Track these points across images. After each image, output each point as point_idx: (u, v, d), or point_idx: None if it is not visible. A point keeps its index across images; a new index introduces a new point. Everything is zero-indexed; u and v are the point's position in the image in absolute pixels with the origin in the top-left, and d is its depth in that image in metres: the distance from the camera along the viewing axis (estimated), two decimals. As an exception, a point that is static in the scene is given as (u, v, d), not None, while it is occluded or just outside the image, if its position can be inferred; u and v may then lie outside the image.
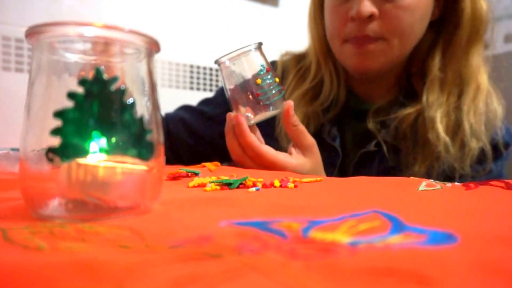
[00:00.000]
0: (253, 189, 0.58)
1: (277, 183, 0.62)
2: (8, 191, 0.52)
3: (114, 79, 0.38)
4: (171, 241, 0.32)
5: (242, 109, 0.89)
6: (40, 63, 0.40)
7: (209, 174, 0.76)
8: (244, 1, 2.03)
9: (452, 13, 1.10)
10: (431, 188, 0.60)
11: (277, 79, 0.91)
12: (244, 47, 0.89)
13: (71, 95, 0.37)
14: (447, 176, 1.07)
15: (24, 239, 0.32)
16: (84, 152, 0.38)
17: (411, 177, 0.74)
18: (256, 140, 0.89)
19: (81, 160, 0.38)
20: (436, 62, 1.11)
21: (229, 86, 0.91)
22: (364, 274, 0.25)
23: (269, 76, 0.90)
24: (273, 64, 1.32)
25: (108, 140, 0.38)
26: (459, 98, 1.10)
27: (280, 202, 0.49)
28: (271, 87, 0.90)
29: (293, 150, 0.94)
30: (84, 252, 0.29)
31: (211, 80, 1.90)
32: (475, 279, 0.25)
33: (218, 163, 0.87)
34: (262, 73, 0.89)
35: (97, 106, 0.38)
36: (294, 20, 2.31)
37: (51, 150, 0.37)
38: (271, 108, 0.89)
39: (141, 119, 0.40)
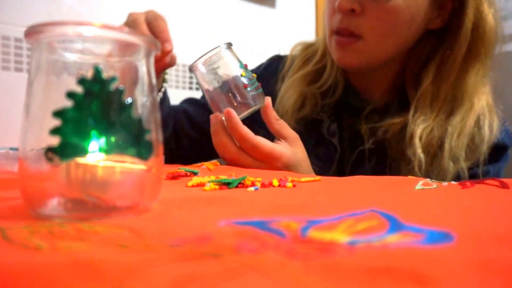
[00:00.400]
0: (252, 188, 0.58)
1: (275, 182, 0.62)
2: (8, 191, 0.52)
3: (113, 79, 0.38)
4: (170, 240, 0.32)
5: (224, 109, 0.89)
6: (39, 62, 0.40)
7: (208, 173, 0.76)
8: (242, 2, 2.04)
9: (454, 26, 1.07)
10: (428, 187, 0.60)
11: (254, 75, 0.92)
12: (214, 48, 0.89)
13: (70, 95, 0.37)
14: None
15: (23, 238, 0.32)
16: (83, 152, 0.38)
17: (408, 176, 0.74)
18: (250, 131, 0.89)
19: (80, 160, 0.38)
20: (429, 75, 1.09)
21: (207, 88, 0.91)
22: (362, 273, 0.25)
23: (248, 71, 0.92)
24: (282, 58, 1.33)
25: (107, 140, 0.39)
26: (448, 117, 1.07)
27: (279, 202, 0.49)
28: (252, 81, 0.91)
29: (281, 141, 0.94)
30: (83, 251, 0.29)
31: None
32: (471, 277, 0.25)
33: (217, 163, 0.87)
34: (242, 68, 0.91)
35: (96, 105, 0.38)
36: (291, 20, 2.32)
37: (50, 150, 0.37)
38: (252, 103, 0.90)
39: (140, 119, 0.40)
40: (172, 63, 1.01)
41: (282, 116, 1.18)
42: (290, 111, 1.18)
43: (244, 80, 0.90)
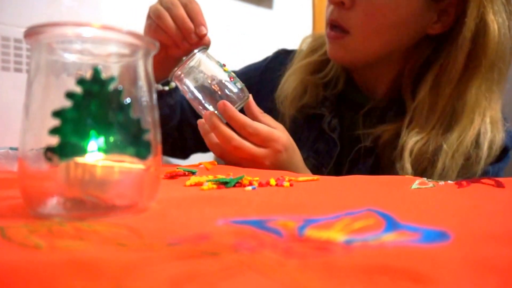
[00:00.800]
0: (250, 188, 0.58)
1: (273, 182, 0.62)
2: (7, 190, 0.52)
3: (111, 79, 0.38)
4: (168, 239, 0.32)
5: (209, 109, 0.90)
6: (38, 63, 0.40)
7: (205, 173, 0.76)
8: (239, 3, 2.04)
9: (456, 34, 1.02)
10: (424, 186, 0.60)
11: (233, 73, 0.94)
12: (190, 54, 0.91)
13: (70, 95, 0.37)
14: None
15: (22, 237, 0.32)
16: (82, 151, 0.38)
17: (405, 176, 0.74)
18: (248, 118, 0.90)
19: (79, 159, 0.38)
20: (426, 84, 1.05)
21: (190, 92, 0.92)
22: (359, 272, 0.26)
23: (229, 71, 0.93)
24: (289, 52, 1.33)
25: (106, 139, 0.39)
26: (444, 132, 1.03)
27: (276, 201, 0.50)
28: (234, 79, 0.92)
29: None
30: (82, 250, 0.29)
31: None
32: (467, 276, 0.25)
33: (215, 162, 0.87)
34: (221, 67, 0.92)
35: (95, 106, 0.38)
36: (288, 21, 2.32)
37: (49, 149, 0.37)
38: (237, 100, 0.91)
39: (138, 119, 0.40)
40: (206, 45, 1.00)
41: (282, 101, 1.19)
42: (289, 98, 1.18)
43: (226, 78, 0.91)
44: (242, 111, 0.90)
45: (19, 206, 0.43)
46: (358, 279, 0.25)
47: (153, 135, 0.42)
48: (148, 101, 0.43)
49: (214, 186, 0.59)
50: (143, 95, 0.42)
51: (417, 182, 0.62)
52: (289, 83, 1.20)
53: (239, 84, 0.92)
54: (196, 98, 0.91)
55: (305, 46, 1.29)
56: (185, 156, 1.37)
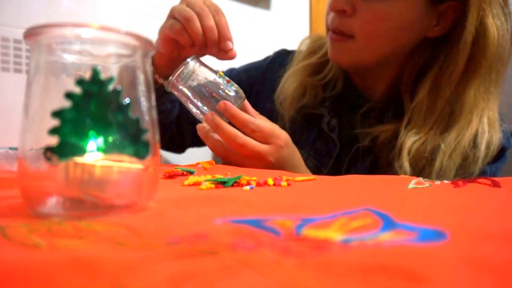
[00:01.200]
0: (247, 187, 0.58)
1: (270, 181, 0.62)
2: (7, 189, 0.53)
3: (110, 80, 0.38)
4: (167, 238, 0.32)
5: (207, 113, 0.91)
6: (38, 63, 0.40)
7: (204, 172, 0.76)
8: (236, 4, 2.03)
9: (455, 37, 1.03)
10: (420, 186, 0.60)
11: (227, 77, 0.95)
12: (184, 62, 0.92)
13: (69, 95, 0.37)
14: None
15: (22, 236, 0.32)
16: (81, 151, 0.38)
17: (401, 175, 0.74)
18: (250, 116, 0.92)
19: (78, 159, 0.38)
20: (425, 86, 1.06)
21: (187, 98, 0.93)
22: (356, 271, 0.26)
23: (223, 75, 0.94)
24: (289, 52, 1.33)
25: (105, 139, 0.39)
26: (442, 132, 1.04)
27: (274, 200, 0.50)
28: (230, 83, 0.94)
29: None
30: (81, 249, 0.29)
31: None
32: (464, 275, 0.25)
33: (213, 162, 0.87)
34: (215, 73, 0.94)
35: (94, 106, 0.38)
36: (286, 22, 2.32)
37: (49, 149, 0.37)
38: (233, 102, 0.92)
39: (137, 119, 0.40)
40: (230, 58, 1.00)
41: (281, 102, 1.19)
42: (289, 99, 1.19)
43: (221, 82, 0.93)
44: None
45: (18, 206, 0.43)
46: (355, 278, 0.25)
47: (152, 135, 0.42)
48: (147, 101, 0.43)
49: (212, 185, 0.59)
50: (142, 95, 0.42)
51: (414, 182, 0.62)
52: (288, 84, 1.20)
53: (235, 87, 0.93)
54: (193, 104, 0.92)
55: (304, 47, 1.29)
56: (181, 150, 1.37)
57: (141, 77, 0.43)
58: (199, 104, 0.92)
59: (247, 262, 0.27)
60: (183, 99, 0.93)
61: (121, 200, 0.41)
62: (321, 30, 1.42)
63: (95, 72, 0.38)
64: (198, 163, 0.88)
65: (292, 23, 2.39)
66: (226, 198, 0.51)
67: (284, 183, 0.61)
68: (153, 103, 0.44)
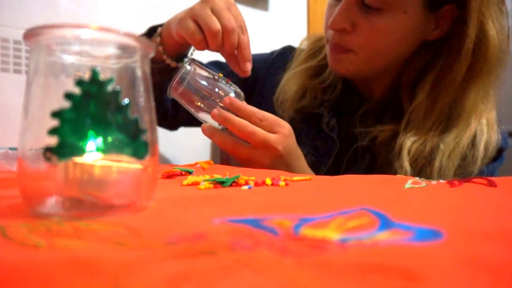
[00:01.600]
0: (246, 187, 0.58)
1: (268, 181, 0.62)
2: (7, 189, 0.53)
3: (110, 80, 0.38)
4: (166, 238, 0.32)
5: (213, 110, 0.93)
6: (37, 64, 0.40)
7: (202, 172, 0.77)
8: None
9: (455, 41, 1.03)
10: (417, 186, 0.60)
11: (225, 78, 0.96)
12: (181, 67, 0.93)
13: (68, 96, 0.37)
14: None
15: (22, 236, 0.32)
16: (80, 151, 0.38)
17: (397, 175, 0.74)
18: (255, 107, 0.93)
19: (77, 159, 0.39)
20: (424, 89, 1.06)
21: (190, 104, 0.95)
22: (353, 270, 0.26)
23: (222, 77, 0.96)
24: (294, 50, 1.34)
25: (104, 140, 0.39)
26: (441, 133, 1.04)
27: (272, 200, 0.50)
28: (229, 83, 0.96)
29: None
30: (80, 249, 0.29)
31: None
32: (460, 274, 0.26)
33: (211, 162, 0.88)
34: (213, 74, 0.95)
35: (94, 106, 0.38)
36: (284, 23, 2.32)
37: (48, 149, 0.37)
38: (235, 97, 0.93)
39: (136, 119, 0.40)
40: (243, 75, 1.00)
41: (282, 103, 1.20)
42: (290, 100, 1.19)
43: (220, 83, 0.94)
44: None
45: (18, 206, 0.43)
46: (352, 277, 0.25)
47: (151, 135, 0.42)
48: (146, 102, 0.43)
49: (211, 185, 0.59)
50: (141, 95, 0.42)
51: (410, 182, 0.62)
52: (289, 86, 1.21)
53: (234, 87, 0.95)
54: (195, 106, 0.93)
55: (305, 46, 1.29)
56: (174, 127, 1.36)
57: (140, 78, 0.43)
58: (201, 106, 0.92)
59: (245, 261, 0.27)
60: (184, 103, 0.94)
61: (120, 200, 0.41)
62: (319, 30, 1.42)
63: (94, 73, 0.38)
64: (196, 163, 0.88)
65: (290, 24, 2.39)
66: (225, 198, 0.51)
67: (282, 183, 0.62)
68: (152, 103, 0.44)
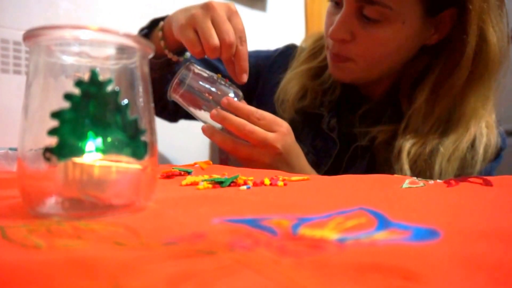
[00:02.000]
0: (244, 187, 0.59)
1: (267, 181, 0.63)
2: (7, 190, 0.53)
3: (109, 81, 0.38)
4: (165, 238, 0.32)
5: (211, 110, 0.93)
6: (37, 65, 0.40)
7: (201, 172, 0.77)
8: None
9: (454, 46, 1.02)
10: (414, 186, 0.60)
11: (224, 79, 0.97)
12: (179, 70, 0.93)
13: (68, 96, 0.37)
14: None
15: (22, 237, 0.32)
16: (80, 152, 0.38)
17: (395, 175, 0.74)
18: (253, 107, 0.93)
19: (77, 159, 0.39)
20: (423, 93, 1.06)
21: (190, 106, 0.96)
22: (352, 269, 0.26)
23: (221, 77, 0.96)
24: (293, 48, 1.34)
25: (104, 140, 0.39)
26: (440, 136, 1.04)
27: (270, 200, 0.50)
28: (227, 82, 0.96)
29: None
30: (80, 249, 0.30)
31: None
32: (457, 273, 0.26)
33: (210, 162, 0.88)
34: (211, 74, 0.96)
35: (93, 107, 0.38)
36: (282, 24, 2.33)
37: (48, 150, 0.37)
38: (235, 97, 0.94)
39: (135, 119, 0.40)
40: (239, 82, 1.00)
41: (282, 103, 1.20)
42: (291, 100, 1.20)
43: (219, 84, 0.95)
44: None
45: (18, 206, 0.43)
46: (350, 276, 0.25)
47: (150, 136, 0.43)
48: (145, 102, 0.43)
49: (210, 185, 0.59)
50: (140, 96, 0.43)
51: (408, 181, 0.62)
52: (290, 86, 1.21)
53: (233, 87, 0.95)
54: (196, 108, 0.93)
55: (306, 45, 1.29)
56: (174, 119, 1.36)
57: (139, 78, 0.43)
58: (201, 106, 0.93)
59: (244, 261, 0.27)
60: (184, 104, 0.94)
61: (120, 200, 0.41)
62: (316, 30, 1.42)
63: (93, 74, 0.38)
64: (195, 163, 0.88)
65: (288, 24, 2.40)
66: (223, 198, 0.51)
67: (280, 183, 0.62)
68: (151, 104, 0.44)
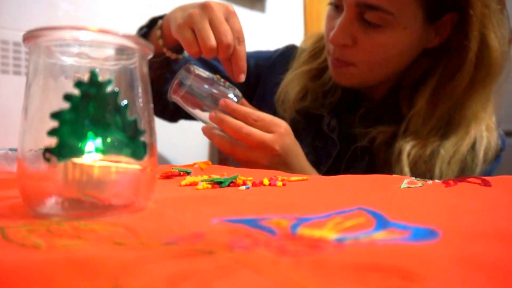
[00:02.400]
0: (243, 187, 0.59)
1: (266, 181, 0.63)
2: (7, 190, 0.53)
3: (108, 82, 0.39)
4: (164, 238, 0.32)
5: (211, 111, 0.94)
6: (37, 66, 0.41)
7: (200, 173, 0.77)
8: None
9: (455, 49, 1.02)
10: (413, 186, 0.60)
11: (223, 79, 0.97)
12: (179, 71, 0.93)
13: (67, 97, 0.37)
14: None
15: (22, 237, 0.32)
16: (80, 152, 0.38)
17: (394, 175, 0.74)
18: (250, 109, 0.93)
19: (77, 160, 0.39)
20: (425, 95, 1.05)
21: (190, 107, 0.96)
22: (350, 269, 0.26)
23: (219, 78, 0.96)
24: (293, 49, 1.34)
25: (103, 140, 0.39)
26: (440, 139, 1.04)
27: (269, 200, 0.50)
28: (226, 83, 0.96)
29: None
30: (80, 249, 0.30)
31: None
32: (456, 273, 0.26)
33: (209, 162, 0.88)
34: (211, 75, 0.96)
35: (93, 107, 0.38)
36: (280, 24, 2.33)
37: (48, 150, 0.37)
38: (235, 99, 0.94)
39: (135, 120, 0.40)
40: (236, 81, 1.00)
41: (283, 103, 1.20)
42: (291, 101, 1.19)
43: (218, 84, 0.95)
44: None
45: (18, 206, 0.43)
46: (349, 276, 0.25)
47: (149, 136, 0.43)
48: (144, 103, 0.43)
49: (209, 185, 0.59)
50: (139, 96, 0.43)
51: (406, 181, 0.62)
52: (291, 87, 1.21)
53: (232, 88, 0.95)
54: (195, 108, 0.94)
55: (306, 45, 1.29)
56: (173, 119, 1.35)
57: (138, 79, 0.43)
58: (201, 107, 0.93)
59: (243, 261, 0.27)
60: (184, 105, 0.94)
61: (119, 200, 0.41)
62: (315, 31, 1.42)
63: (93, 74, 0.38)
64: (194, 164, 0.88)
65: (287, 25, 2.40)
66: (223, 198, 0.51)
67: (279, 183, 0.62)
68: (151, 104, 0.45)
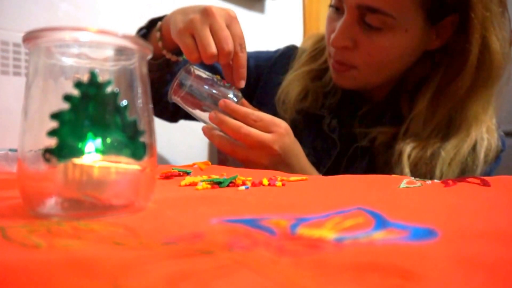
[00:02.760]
0: (243, 187, 0.59)
1: (265, 181, 0.63)
2: (7, 190, 0.53)
3: (108, 82, 0.39)
4: (164, 238, 0.32)
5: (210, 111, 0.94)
6: (37, 67, 0.41)
7: (200, 173, 0.77)
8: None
9: (456, 52, 1.03)
10: (412, 186, 0.60)
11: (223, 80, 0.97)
12: (179, 72, 0.93)
13: (67, 98, 0.38)
14: None
15: (22, 237, 0.32)
16: (79, 153, 0.39)
17: (393, 175, 0.74)
18: (249, 109, 0.93)
19: (77, 160, 0.39)
20: (426, 97, 1.05)
21: (191, 107, 0.96)
22: (350, 269, 0.26)
23: (219, 78, 0.97)
24: (294, 49, 1.34)
25: (103, 141, 0.39)
26: (441, 140, 1.03)
27: (269, 200, 0.50)
28: (226, 84, 0.96)
29: None
30: (80, 249, 0.30)
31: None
32: (455, 272, 0.26)
33: (209, 162, 0.88)
34: (211, 75, 0.96)
35: (92, 108, 0.38)
36: (280, 25, 2.33)
37: (48, 151, 0.37)
38: (235, 99, 0.94)
39: (134, 120, 0.40)
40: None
41: (283, 104, 1.20)
42: (292, 101, 1.19)
43: (218, 85, 0.95)
44: None
45: (18, 206, 0.43)
46: (348, 276, 0.25)
47: (149, 136, 0.43)
48: (144, 103, 0.43)
49: (208, 186, 0.60)
50: (139, 97, 0.43)
51: (405, 181, 0.62)
52: (292, 87, 1.21)
53: (232, 88, 0.95)
54: (195, 109, 0.94)
55: (307, 46, 1.29)
56: (174, 119, 1.36)
57: (138, 80, 0.43)
58: (201, 108, 0.93)
59: (243, 261, 0.27)
60: (184, 106, 0.95)
61: (119, 201, 0.42)
62: (315, 31, 1.42)
63: (93, 75, 0.38)
64: (194, 164, 0.88)
65: (286, 26, 2.40)
66: (222, 198, 0.51)
67: (278, 183, 0.62)
68: (150, 105, 0.45)
